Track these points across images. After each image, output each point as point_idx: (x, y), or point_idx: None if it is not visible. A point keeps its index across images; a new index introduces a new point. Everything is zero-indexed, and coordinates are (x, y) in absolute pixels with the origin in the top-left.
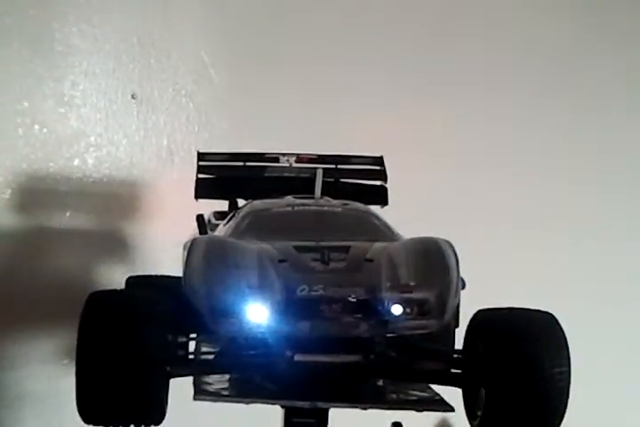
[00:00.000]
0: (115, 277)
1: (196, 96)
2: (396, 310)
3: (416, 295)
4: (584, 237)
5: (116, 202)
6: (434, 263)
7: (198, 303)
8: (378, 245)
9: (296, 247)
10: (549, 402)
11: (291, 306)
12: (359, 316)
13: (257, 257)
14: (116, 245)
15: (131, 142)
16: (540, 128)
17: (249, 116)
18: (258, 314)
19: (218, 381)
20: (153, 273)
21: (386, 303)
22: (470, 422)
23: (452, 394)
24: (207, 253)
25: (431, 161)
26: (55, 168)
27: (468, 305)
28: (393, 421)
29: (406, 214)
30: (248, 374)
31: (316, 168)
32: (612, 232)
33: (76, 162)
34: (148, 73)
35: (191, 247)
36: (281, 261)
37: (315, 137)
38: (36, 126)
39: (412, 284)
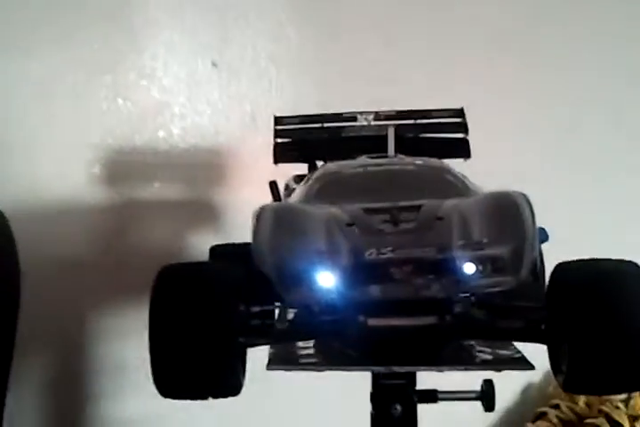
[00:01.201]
0: (205, 246)
1: (276, 58)
2: (469, 268)
3: (489, 252)
4: None
5: (204, 171)
6: (507, 218)
7: (267, 272)
8: (450, 202)
9: (365, 209)
10: (637, 357)
11: (360, 270)
12: (431, 276)
13: (325, 222)
14: (205, 213)
15: (214, 110)
16: None
17: (332, 75)
18: (327, 280)
19: (300, 349)
20: (242, 240)
21: (458, 262)
22: (556, 379)
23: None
24: (274, 220)
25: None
26: (141, 141)
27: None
28: (484, 378)
29: (491, 166)
30: (323, 341)
31: (390, 125)
32: None
33: (161, 133)
34: (227, 38)
35: (259, 215)
36: (349, 224)
37: (398, 92)
38: (120, 100)
39: (484, 240)
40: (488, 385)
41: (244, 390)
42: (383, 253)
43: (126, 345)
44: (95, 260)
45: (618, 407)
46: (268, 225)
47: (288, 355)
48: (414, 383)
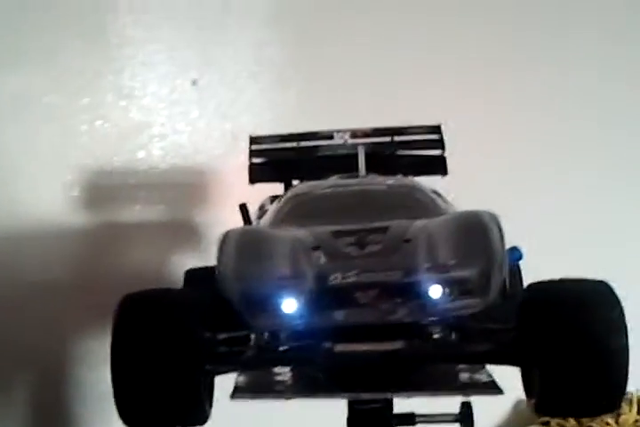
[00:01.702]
0: (187, 268)
1: (257, 77)
2: (436, 291)
3: (456, 274)
4: None
5: (185, 191)
6: (474, 239)
7: (232, 298)
8: (418, 223)
9: (333, 232)
10: (608, 379)
11: (324, 295)
12: (397, 300)
13: (290, 246)
14: (187, 234)
15: (194, 130)
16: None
17: (314, 94)
18: (291, 306)
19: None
20: None
21: (424, 285)
22: (528, 401)
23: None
24: (238, 246)
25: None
26: (120, 162)
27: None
28: (462, 401)
29: (466, 184)
30: (291, 368)
31: (360, 144)
32: None
33: (141, 154)
34: (207, 57)
35: (223, 241)
36: (315, 248)
37: (381, 109)
38: (98, 122)
39: (451, 262)
40: (466, 408)
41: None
42: (348, 278)
43: (108, 370)
44: (76, 284)
45: (608, 424)
46: (232, 251)
47: (255, 383)
48: (391, 407)
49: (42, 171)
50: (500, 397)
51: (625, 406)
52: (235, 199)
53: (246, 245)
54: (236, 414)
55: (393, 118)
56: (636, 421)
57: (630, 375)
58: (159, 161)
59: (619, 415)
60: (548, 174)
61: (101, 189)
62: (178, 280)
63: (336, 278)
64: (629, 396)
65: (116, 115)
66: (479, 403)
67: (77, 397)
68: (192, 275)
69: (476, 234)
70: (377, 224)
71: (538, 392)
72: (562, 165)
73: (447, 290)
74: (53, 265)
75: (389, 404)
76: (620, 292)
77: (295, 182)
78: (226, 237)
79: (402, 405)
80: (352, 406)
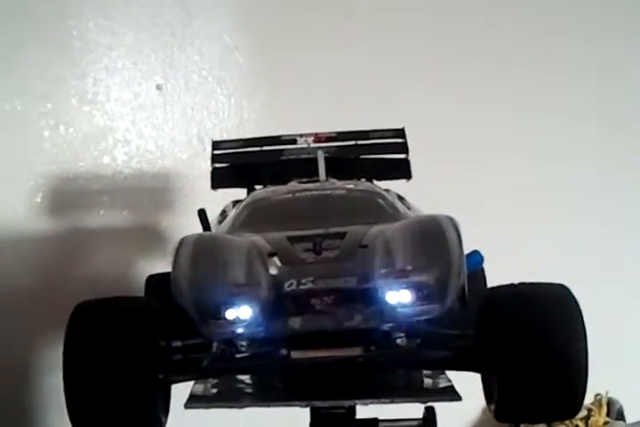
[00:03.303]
0: (154, 272)
1: (223, 81)
2: (392, 297)
3: (413, 280)
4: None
5: (150, 196)
6: (432, 244)
7: (185, 306)
8: (376, 228)
9: (290, 238)
10: (567, 382)
11: (279, 302)
12: (353, 307)
13: (246, 253)
14: (153, 239)
15: (160, 134)
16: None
17: (279, 97)
18: (245, 313)
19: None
20: None
21: (380, 291)
22: (488, 407)
23: None
24: (193, 253)
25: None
26: (85, 167)
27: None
28: (426, 406)
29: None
30: (246, 375)
31: (320, 148)
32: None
33: (106, 159)
34: (171, 62)
35: (178, 248)
36: (271, 254)
37: (347, 114)
38: (62, 127)
39: (408, 268)
40: (430, 413)
41: None
42: (304, 284)
43: None
44: (41, 290)
45: (577, 426)
46: (187, 257)
47: (211, 391)
48: (354, 413)
49: (4, 177)
50: (468, 402)
51: (595, 408)
52: (201, 204)
53: (201, 251)
54: None
55: (359, 122)
56: (606, 422)
57: (599, 378)
58: (124, 166)
59: (589, 417)
60: (512, 177)
61: (65, 195)
62: (143, 286)
63: (292, 285)
64: (599, 398)
65: (79, 120)
66: (447, 408)
67: (41, 403)
68: (153, 281)
69: (434, 239)
70: (334, 230)
71: (497, 398)
72: (524, 168)
73: (404, 295)
74: (17, 271)
75: (352, 409)
76: (578, 294)
77: (258, 187)
78: (181, 244)
79: (367, 409)
80: (315, 411)
